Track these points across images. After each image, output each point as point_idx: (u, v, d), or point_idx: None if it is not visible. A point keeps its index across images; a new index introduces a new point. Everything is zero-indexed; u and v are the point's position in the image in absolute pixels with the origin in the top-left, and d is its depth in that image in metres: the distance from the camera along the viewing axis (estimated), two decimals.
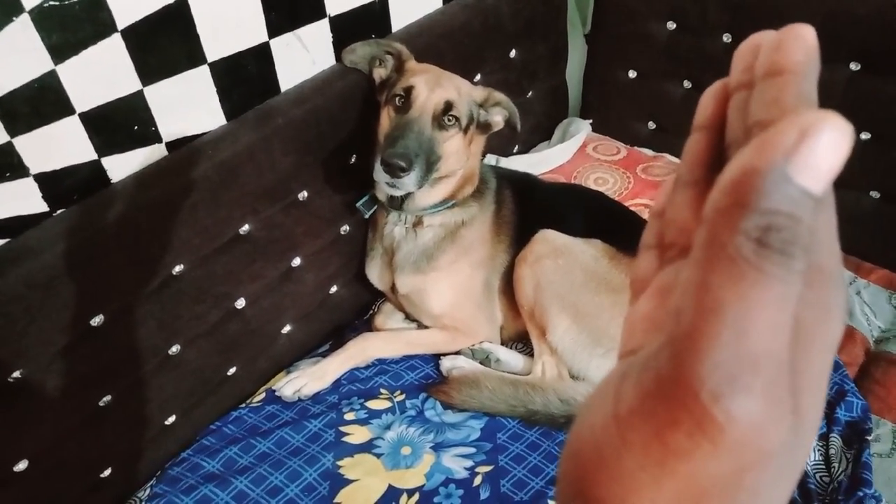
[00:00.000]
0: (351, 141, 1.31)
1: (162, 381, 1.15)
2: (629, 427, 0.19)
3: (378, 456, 1.18)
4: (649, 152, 1.85)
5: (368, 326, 1.48)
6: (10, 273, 0.91)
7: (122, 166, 1.06)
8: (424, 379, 1.34)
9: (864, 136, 1.50)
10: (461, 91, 1.24)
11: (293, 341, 1.39)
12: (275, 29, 1.19)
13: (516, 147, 1.86)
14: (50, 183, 0.99)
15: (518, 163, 1.77)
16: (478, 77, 1.58)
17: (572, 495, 0.22)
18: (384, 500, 1.12)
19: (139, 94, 1.04)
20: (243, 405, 1.30)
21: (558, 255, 1.29)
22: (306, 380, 1.30)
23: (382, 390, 1.31)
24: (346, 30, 1.30)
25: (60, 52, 0.92)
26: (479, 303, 1.38)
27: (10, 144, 0.92)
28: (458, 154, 1.26)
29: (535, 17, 1.67)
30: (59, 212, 1.01)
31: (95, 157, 1.03)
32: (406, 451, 1.19)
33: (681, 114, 1.74)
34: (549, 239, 1.32)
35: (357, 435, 1.22)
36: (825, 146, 0.17)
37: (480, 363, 1.36)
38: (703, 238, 0.18)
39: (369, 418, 1.25)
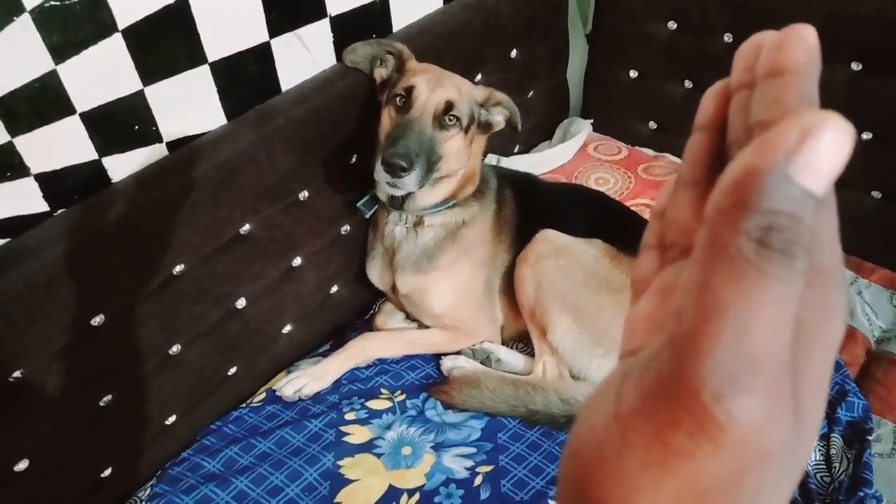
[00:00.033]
0: (352, 141, 1.31)
1: (162, 380, 1.15)
2: (630, 427, 0.19)
3: (378, 456, 1.18)
4: (650, 152, 1.85)
5: (369, 326, 1.48)
6: (10, 273, 0.91)
7: (122, 166, 1.06)
8: (425, 379, 1.34)
9: (866, 136, 1.50)
10: (462, 91, 1.24)
11: (294, 341, 1.39)
12: (275, 29, 1.19)
13: (517, 147, 1.86)
14: (50, 183, 0.99)
15: (519, 163, 1.77)
16: (478, 77, 1.58)
17: (573, 495, 0.22)
18: (384, 499, 1.12)
19: (140, 93, 1.04)
20: (244, 405, 1.30)
21: (559, 255, 1.29)
22: (307, 380, 1.30)
23: (383, 390, 1.31)
24: (347, 30, 1.30)
25: (61, 51, 0.92)
26: (480, 303, 1.38)
27: (10, 144, 0.92)
28: (459, 154, 1.26)
29: (535, 16, 1.67)
30: (59, 212, 1.01)
31: (96, 156, 1.03)
32: (406, 450, 1.19)
33: (682, 114, 1.74)
34: (550, 239, 1.32)
35: (357, 435, 1.22)
36: (826, 146, 0.17)
37: (481, 363, 1.36)
38: (704, 238, 0.18)
39: (370, 418, 1.25)
